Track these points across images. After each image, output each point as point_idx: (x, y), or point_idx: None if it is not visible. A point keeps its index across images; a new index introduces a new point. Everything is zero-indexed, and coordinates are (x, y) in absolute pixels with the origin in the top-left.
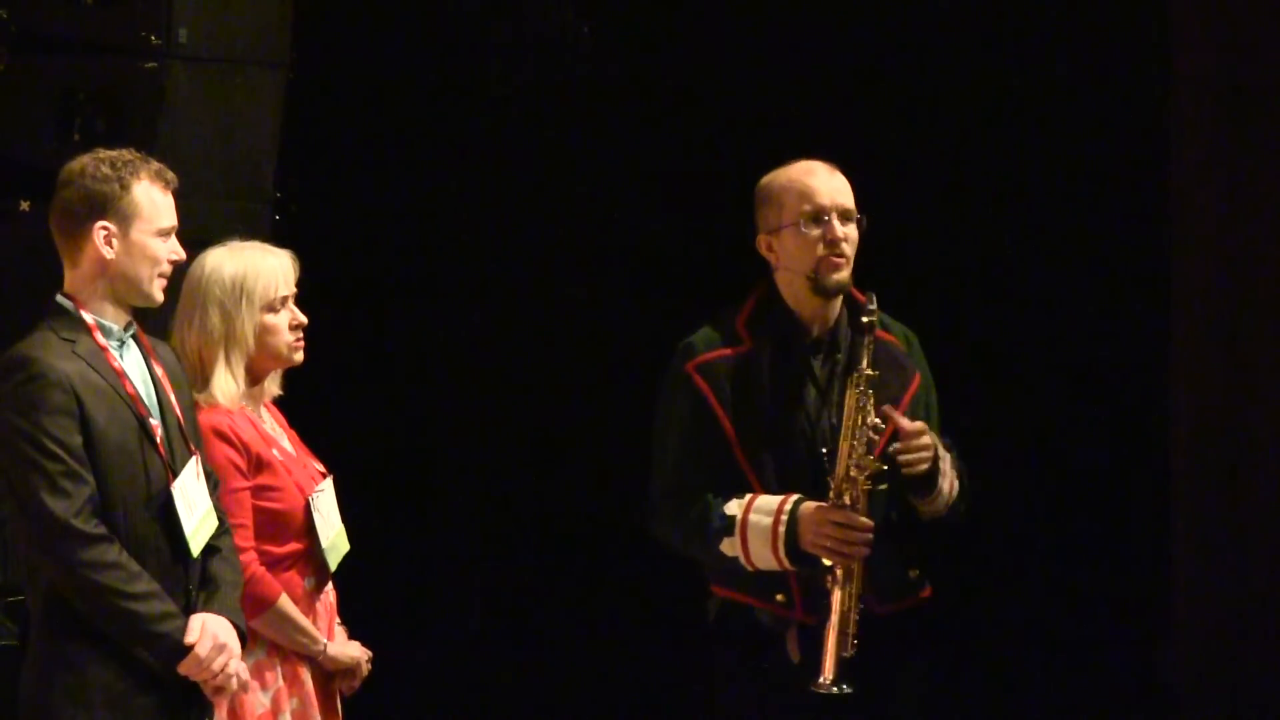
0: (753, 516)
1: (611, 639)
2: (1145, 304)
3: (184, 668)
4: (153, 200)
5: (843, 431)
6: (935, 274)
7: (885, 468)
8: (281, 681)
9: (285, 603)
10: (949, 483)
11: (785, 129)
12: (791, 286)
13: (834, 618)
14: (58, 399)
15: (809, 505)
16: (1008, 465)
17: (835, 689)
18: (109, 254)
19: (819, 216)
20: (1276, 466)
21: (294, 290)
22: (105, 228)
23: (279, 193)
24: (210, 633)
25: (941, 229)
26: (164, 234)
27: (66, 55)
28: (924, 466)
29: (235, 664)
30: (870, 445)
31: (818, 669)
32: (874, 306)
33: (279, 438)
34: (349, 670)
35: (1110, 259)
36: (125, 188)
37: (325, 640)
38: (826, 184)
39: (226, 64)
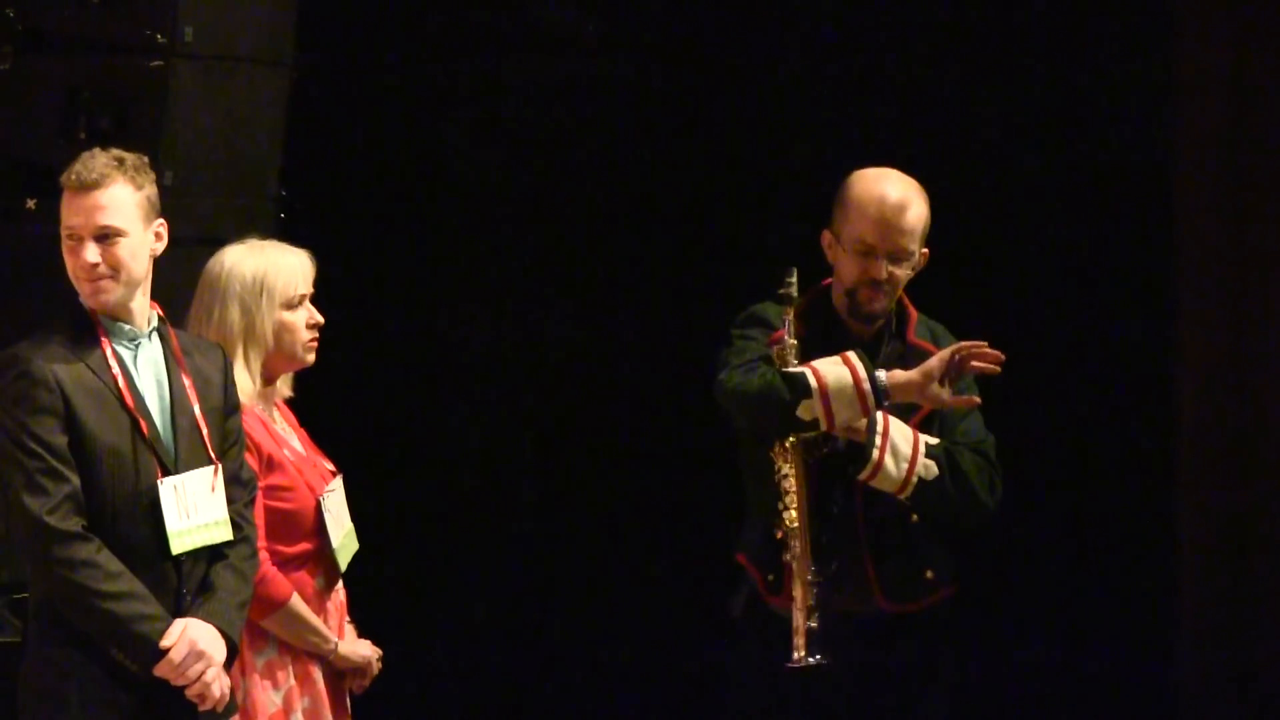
0: (830, 381)
1: (621, 636)
2: (1150, 300)
3: (159, 671)
4: (63, 205)
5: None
6: (941, 272)
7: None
8: (293, 680)
9: (297, 602)
10: (907, 462)
11: (791, 128)
12: (838, 292)
13: (797, 592)
14: (42, 398)
15: (896, 374)
16: (1014, 463)
17: (810, 660)
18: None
19: (870, 252)
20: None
21: (311, 289)
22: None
23: (283, 191)
24: (189, 639)
25: (950, 228)
26: (70, 236)
27: (72, 53)
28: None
29: (214, 672)
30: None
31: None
32: (792, 280)
33: (289, 437)
34: (360, 669)
35: (1114, 256)
36: (62, 188)
37: (336, 639)
38: (891, 224)
39: (231, 62)
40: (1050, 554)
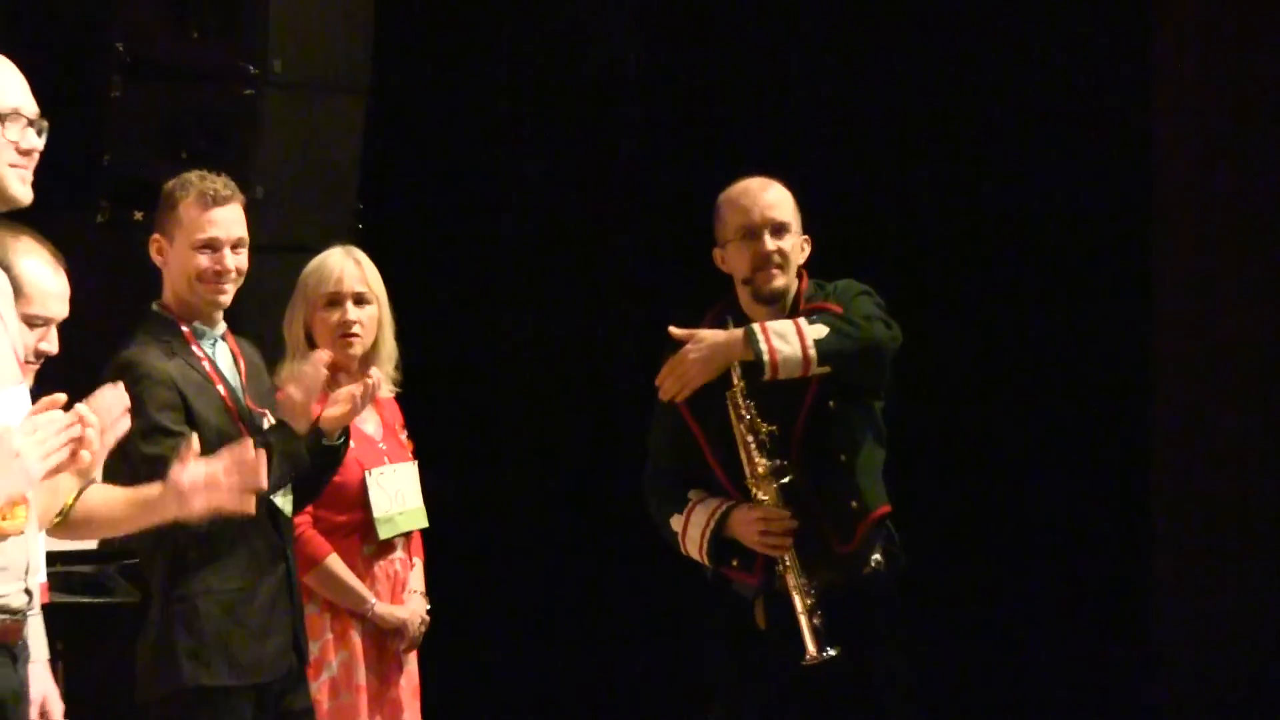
0: (693, 515)
1: (677, 618)
2: (1127, 305)
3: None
4: (192, 217)
5: (738, 442)
6: (923, 277)
7: (784, 464)
8: (329, 634)
9: (333, 561)
10: (793, 338)
11: (798, 142)
12: (743, 295)
13: (796, 599)
14: (164, 395)
15: (740, 509)
16: (997, 458)
17: (823, 654)
18: (159, 263)
19: (751, 233)
20: (1248, 453)
21: (349, 289)
22: (156, 240)
23: (360, 205)
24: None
25: (927, 233)
26: (202, 246)
27: (174, 83)
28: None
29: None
30: (764, 447)
31: (798, 644)
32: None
33: (360, 422)
34: (398, 631)
35: (1093, 263)
36: (173, 206)
37: (374, 600)
38: (757, 200)
39: (315, 90)
40: (1026, 542)
